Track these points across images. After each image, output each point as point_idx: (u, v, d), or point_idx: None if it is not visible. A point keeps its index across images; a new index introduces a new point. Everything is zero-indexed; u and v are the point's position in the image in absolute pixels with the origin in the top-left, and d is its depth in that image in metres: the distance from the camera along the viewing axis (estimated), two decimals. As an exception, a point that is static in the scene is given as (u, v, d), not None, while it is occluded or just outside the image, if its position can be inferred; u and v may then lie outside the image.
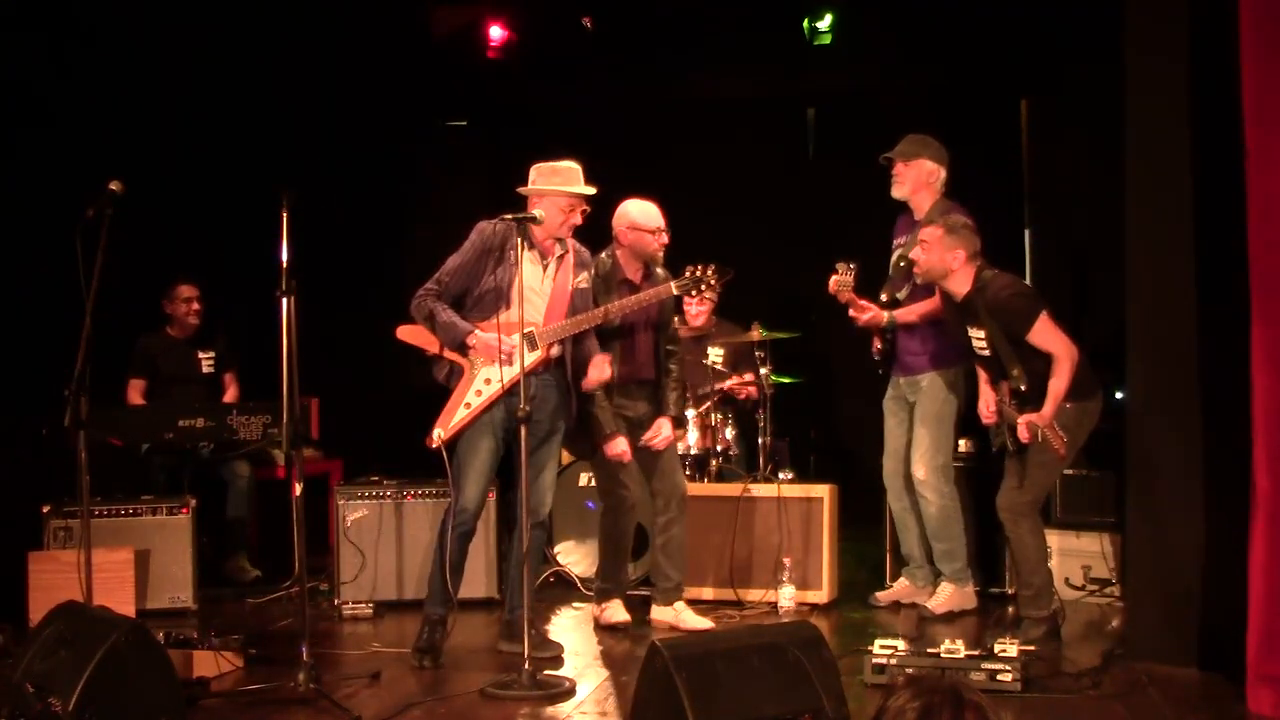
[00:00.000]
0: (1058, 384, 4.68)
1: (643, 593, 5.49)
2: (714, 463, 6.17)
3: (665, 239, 5.09)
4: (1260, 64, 3.80)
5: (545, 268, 4.70)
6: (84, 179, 4.40)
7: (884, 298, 5.54)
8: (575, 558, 6.10)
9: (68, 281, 4.11)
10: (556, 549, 6.11)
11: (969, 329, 4.96)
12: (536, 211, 4.59)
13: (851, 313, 5.47)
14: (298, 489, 4.15)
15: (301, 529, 4.20)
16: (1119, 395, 5.22)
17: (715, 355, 6.68)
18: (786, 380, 6.60)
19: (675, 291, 4.87)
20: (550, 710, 4.04)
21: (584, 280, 4.82)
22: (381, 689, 4.29)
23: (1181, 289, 4.36)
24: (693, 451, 6.12)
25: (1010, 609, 5.43)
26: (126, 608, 5.02)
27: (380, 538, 5.65)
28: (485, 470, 4.67)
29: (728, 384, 6.42)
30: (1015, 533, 4.87)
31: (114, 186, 4.21)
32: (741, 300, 6.56)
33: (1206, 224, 4.30)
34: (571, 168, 4.69)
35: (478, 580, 5.56)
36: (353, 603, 5.60)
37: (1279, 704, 3.77)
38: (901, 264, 5.49)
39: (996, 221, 5.51)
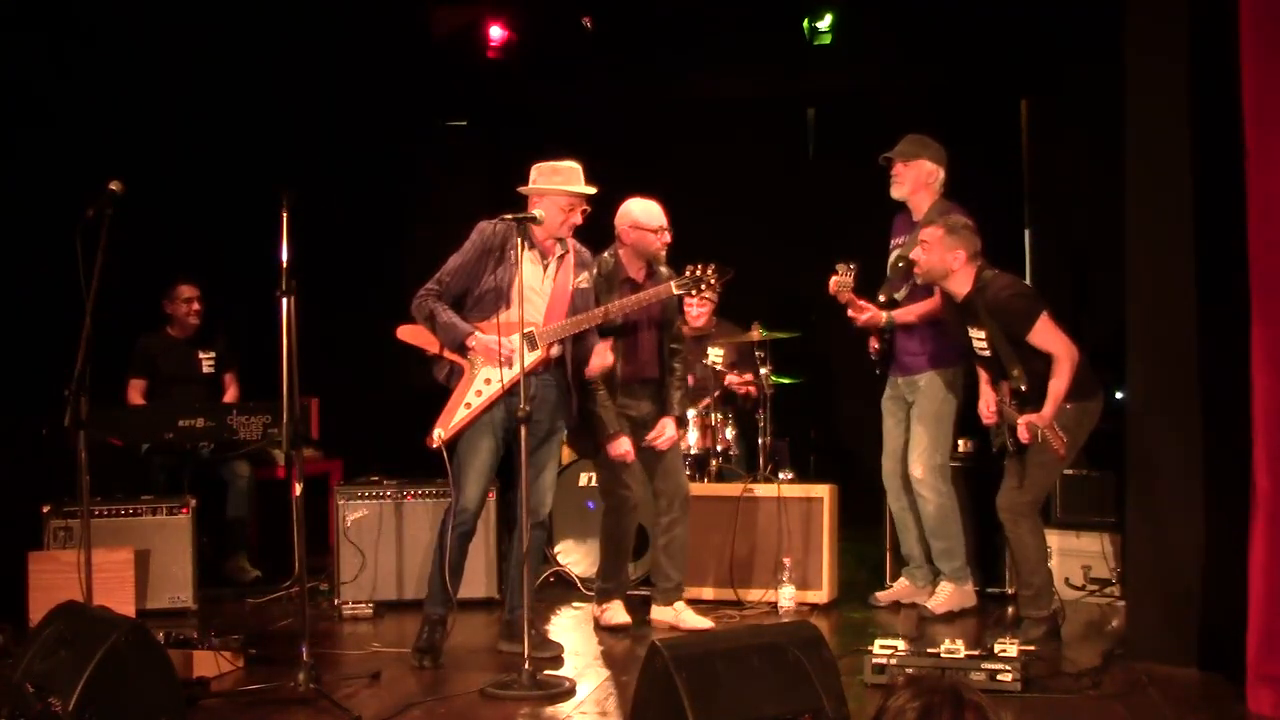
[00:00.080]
0: (1058, 384, 4.68)
1: (643, 592, 5.49)
2: (714, 463, 6.17)
3: (668, 238, 5.09)
4: (1260, 64, 3.80)
5: (545, 267, 4.70)
6: (84, 179, 4.40)
7: (882, 298, 5.54)
8: (575, 558, 6.09)
9: (68, 281, 4.11)
10: (556, 549, 6.11)
11: (969, 329, 4.96)
12: (537, 211, 4.59)
13: (850, 313, 5.48)
14: (298, 489, 4.15)
15: (301, 529, 4.20)
16: (1119, 395, 5.21)
17: (715, 355, 6.68)
18: (786, 380, 6.60)
19: (675, 291, 4.86)
20: (550, 710, 4.04)
21: (584, 280, 4.81)
22: (381, 689, 4.29)
23: (1181, 289, 4.36)
24: (693, 451, 6.12)
25: (1010, 609, 5.43)
26: (126, 608, 5.02)
27: (380, 538, 5.65)
28: (485, 470, 4.67)
29: (714, 395, 6.38)
30: (1015, 533, 4.87)
31: (114, 186, 4.21)
32: (741, 300, 6.57)
33: (1206, 224, 4.30)
34: (572, 167, 4.69)
35: (478, 580, 5.56)
36: (353, 603, 5.60)
37: (1279, 704, 3.77)
38: (899, 264, 5.50)
39: (996, 221, 5.51)
